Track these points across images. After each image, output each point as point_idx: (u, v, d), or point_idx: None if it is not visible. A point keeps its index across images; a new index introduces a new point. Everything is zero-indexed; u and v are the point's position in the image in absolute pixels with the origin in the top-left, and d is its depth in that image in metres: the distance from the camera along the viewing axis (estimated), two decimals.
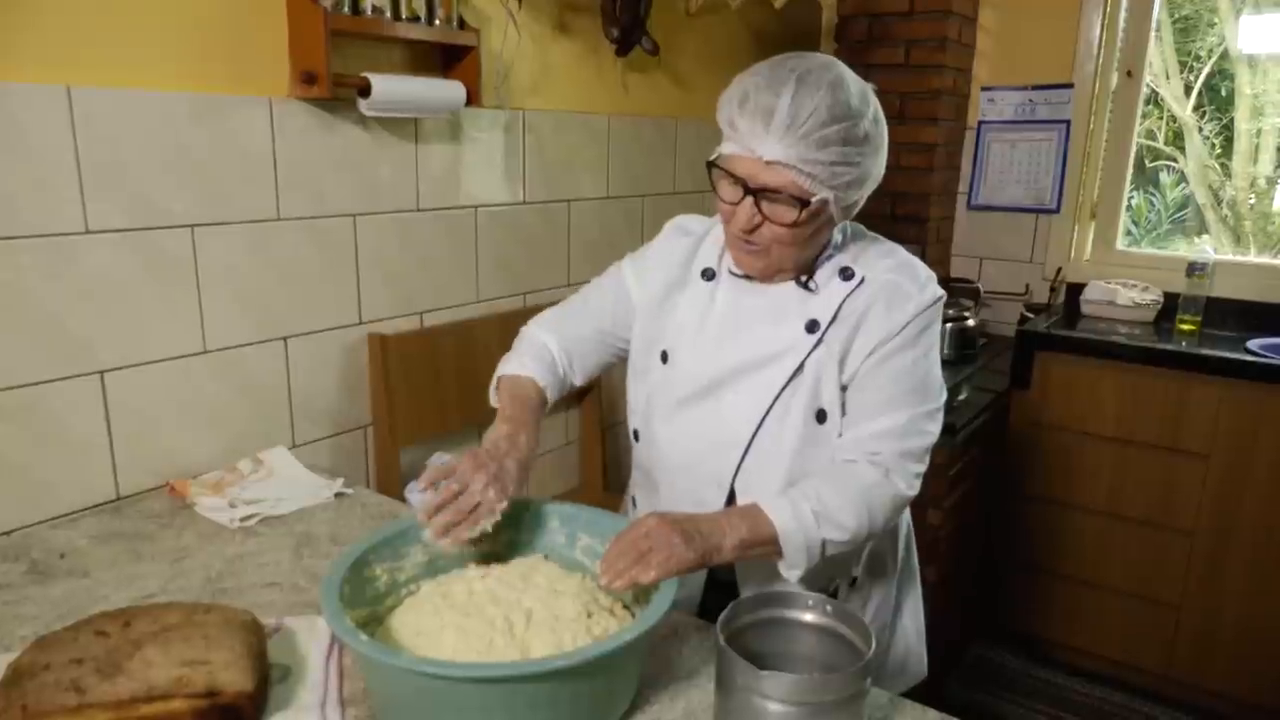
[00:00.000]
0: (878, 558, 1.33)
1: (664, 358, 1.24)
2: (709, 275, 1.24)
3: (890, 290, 1.15)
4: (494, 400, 1.26)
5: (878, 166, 1.12)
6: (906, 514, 1.41)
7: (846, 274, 1.17)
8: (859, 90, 1.08)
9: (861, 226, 1.26)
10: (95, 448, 1.47)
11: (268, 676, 0.99)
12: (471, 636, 0.94)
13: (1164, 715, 2.53)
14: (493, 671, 0.85)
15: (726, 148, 1.10)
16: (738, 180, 1.08)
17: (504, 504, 1.07)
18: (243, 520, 1.43)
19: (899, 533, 1.38)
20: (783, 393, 1.16)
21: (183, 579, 1.26)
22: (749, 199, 1.08)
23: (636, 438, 1.31)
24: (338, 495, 1.56)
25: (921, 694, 1.09)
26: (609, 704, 0.94)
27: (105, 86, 1.39)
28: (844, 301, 1.15)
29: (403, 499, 1.86)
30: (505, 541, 1.15)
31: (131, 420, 1.51)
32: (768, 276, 1.19)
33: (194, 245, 1.54)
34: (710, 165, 1.12)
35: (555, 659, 0.85)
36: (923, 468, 1.17)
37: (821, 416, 1.17)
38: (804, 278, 1.18)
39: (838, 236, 1.20)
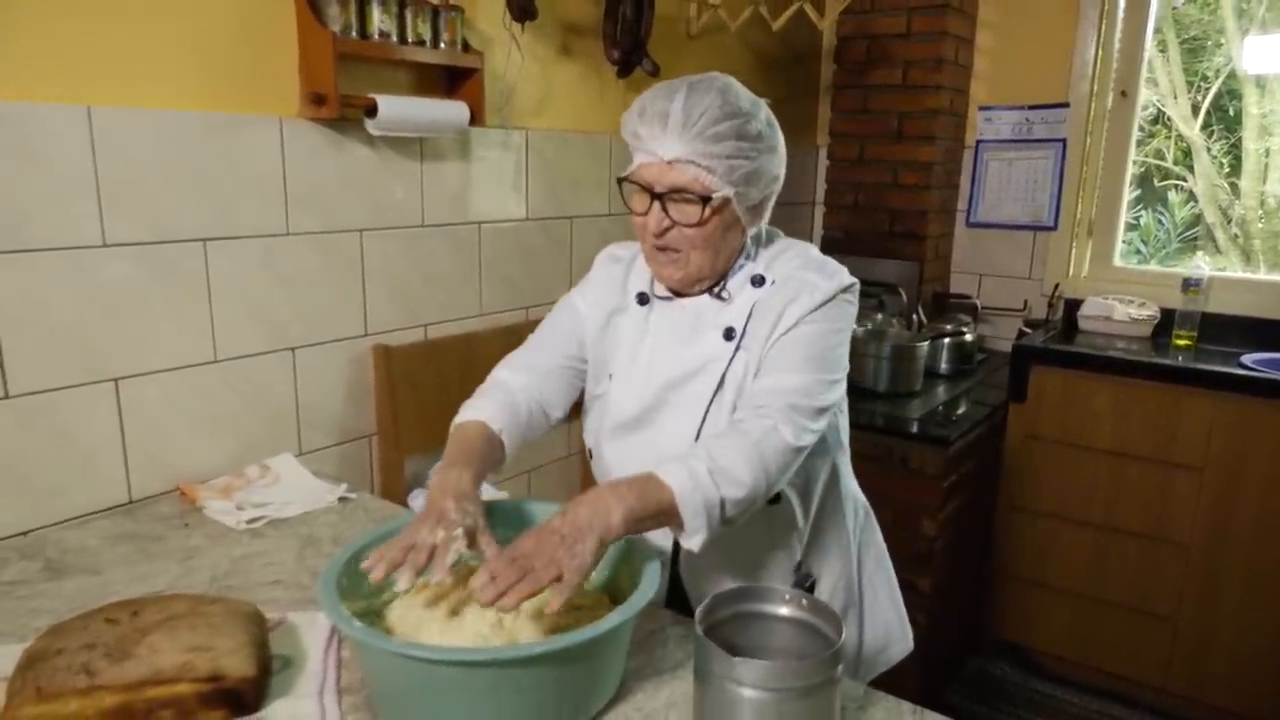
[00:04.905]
0: (823, 557, 1.36)
1: (611, 379, 1.30)
2: (643, 300, 1.30)
3: (798, 285, 1.20)
4: None
5: (774, 166, 1.18)
6: (862, 515, 1.42)
7: (758, 281, 1.23)
8: (749, 97, 1.17)
9: (777, 230, 1.31)
10: (109, 452, 1.53)
11: (269, 665, 1.03)
12: (462, 629, 0.99)
13: None
14: (477, 656, 0.89)
15: (634, 161, 1.18)
16: (645, 188, 1.16)
17: (459, 531, 1.03)
18: (249, 522, 1.48)
19: (845, 534, 1.37)
20: (712, 404, 1.21)
21: (191, 577, 1.31)
22: (656, 204, 1.16)
23: (590, 455, 1.35)
24: (341, 500, 1.60)
25: (923, 704, 1.10)
26: (593, 691, 0.98)
27: (123, 106, 1.46)
28: (755, 303, 1.21)
29: (406, 505, 1.90)
30: (494, 540, 1.19)
31: (144, 426, 1.56)
32: (687, 286, 1.24)
33: (206, 259, 1.61)
34: (621, 182, 1.20)
35: (536, 644, 0.90)
36: (813, 424, 1.14)
37: None
38: (717, 288, 1.24)
39: (751, 246, 1.25)
